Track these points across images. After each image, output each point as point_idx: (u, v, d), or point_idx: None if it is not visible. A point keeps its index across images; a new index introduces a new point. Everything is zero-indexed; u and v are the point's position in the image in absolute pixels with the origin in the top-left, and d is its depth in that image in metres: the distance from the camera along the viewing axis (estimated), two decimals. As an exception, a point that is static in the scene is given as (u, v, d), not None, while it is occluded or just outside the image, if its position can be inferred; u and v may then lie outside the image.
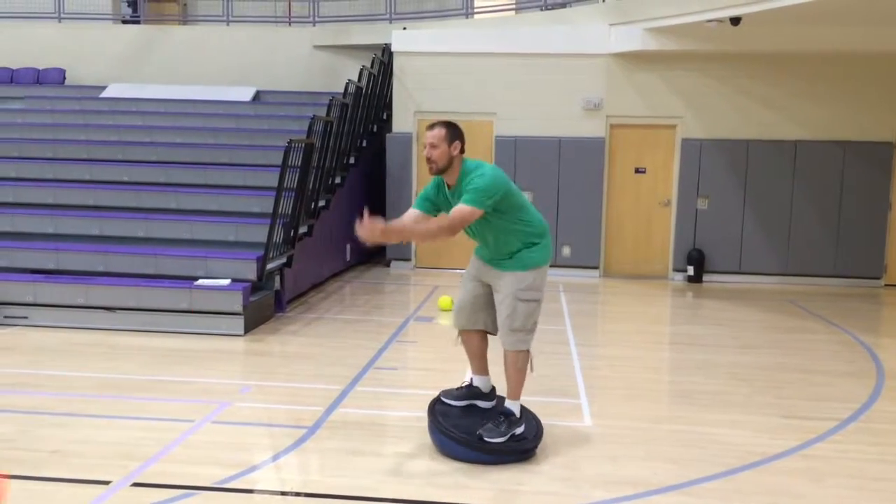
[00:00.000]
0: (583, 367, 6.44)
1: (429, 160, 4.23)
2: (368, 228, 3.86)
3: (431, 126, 4.28)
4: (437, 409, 4.57)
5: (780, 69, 10.48)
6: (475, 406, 4.61)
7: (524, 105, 10.85)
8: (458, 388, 4.70)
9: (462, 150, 4.26)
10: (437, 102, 11.03)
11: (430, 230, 4.22)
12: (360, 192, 11.35)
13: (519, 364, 4.36)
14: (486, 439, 4.31)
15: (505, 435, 4.33)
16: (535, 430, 4.52)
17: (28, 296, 7.41)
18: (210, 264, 7.70)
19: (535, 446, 4.46)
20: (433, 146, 4.20)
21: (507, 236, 4.28)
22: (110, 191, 9.17)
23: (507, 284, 4.29)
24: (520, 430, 4.41)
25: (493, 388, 4.69)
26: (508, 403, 4.44)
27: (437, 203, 4.38)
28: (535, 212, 4.40)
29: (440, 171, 4.25)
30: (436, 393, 4.76)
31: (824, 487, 4.14)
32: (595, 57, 10.72)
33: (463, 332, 4.59)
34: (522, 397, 4.50)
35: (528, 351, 4.37)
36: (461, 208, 4.08)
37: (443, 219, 4.21)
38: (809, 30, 9.32)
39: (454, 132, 4.25)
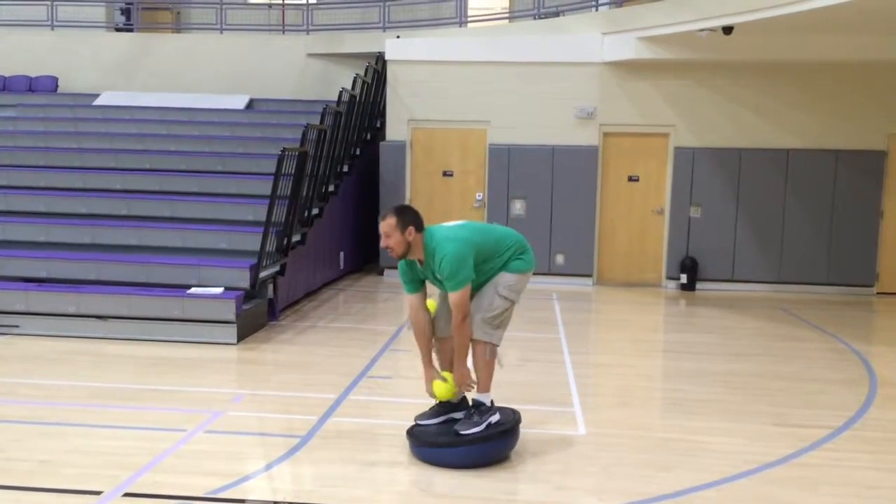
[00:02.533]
0: (576, 375, 6.43)
1: (386, 248, 4.32)
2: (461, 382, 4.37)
3: (383, 216, 4.32)
4: (415, 431, 4.57)
5: (772, 78, 10.53)
6: (451, 419, 4.60)
7: (518, 113, 10.86)
8: (430, 409, 4.68)
9: (419, 230, 4.30)
10: (430, 111, 11.05)
11: (464, 334, 4.32)
12: (354, 201, 11.34)
13: (486, 356, 4.41)
14: (462, 433, 4.34)
15: (480, 424, 4.36)
16: (511, 415, 4.55)
17: (19, 304, 7.37)
18: (203, 272, 7.67)
19: (516, 427, 4.48)
20: (387, 235, 4.28)
21: (495, 269, 4.43)
22: (103, 199, 9.14)
23: (491, 278, 4.42)
24: (495, 417, 4.44)
25: (464, 397, 4.68)
26: (478, 396, 4.47)
27: (415, 277, 4.48)
28: (510, 233, 4.55)
29: (402, 256, 4.36)
30: (429, 402, 4.74)
31: (818, 495, 4.15)
32: (588, 65, 10.75)
33: (438, 340, 4.62)
34: (515, 406, 4.48)
35: (494, 346, 4.42)
36: (454, 298, 4.25)
37: (456, 318, 4.28)
38: (801, 39, 9.35)
39: (404, 218, 4.28)
